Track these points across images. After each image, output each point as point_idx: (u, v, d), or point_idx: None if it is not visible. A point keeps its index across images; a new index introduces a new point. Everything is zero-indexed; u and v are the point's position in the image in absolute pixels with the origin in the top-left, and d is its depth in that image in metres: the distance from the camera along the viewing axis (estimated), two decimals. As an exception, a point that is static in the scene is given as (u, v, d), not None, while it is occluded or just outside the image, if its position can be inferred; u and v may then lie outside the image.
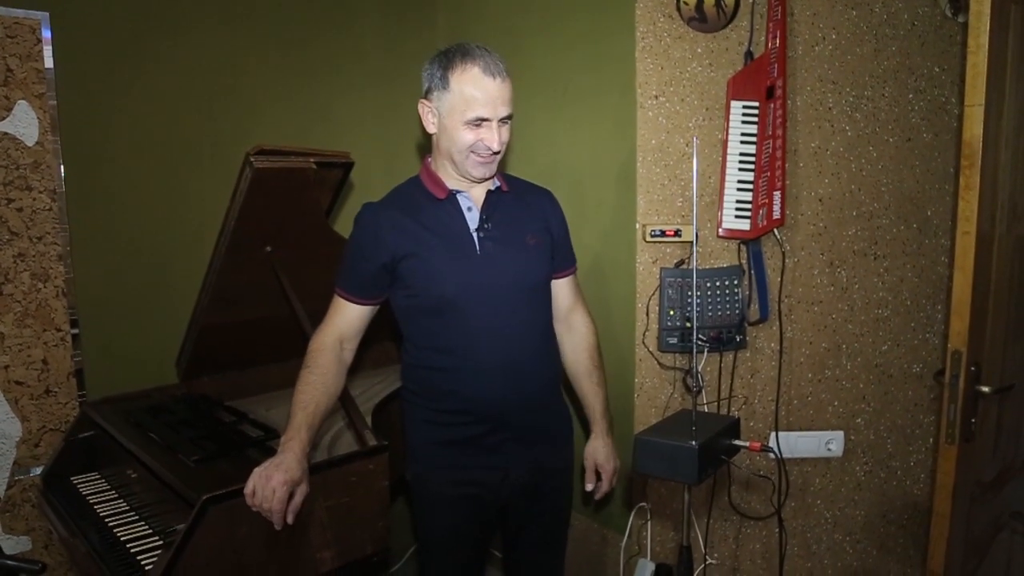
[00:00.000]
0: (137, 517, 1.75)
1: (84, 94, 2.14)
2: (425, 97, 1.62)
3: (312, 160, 1.85)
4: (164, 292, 2.29)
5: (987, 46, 1.40)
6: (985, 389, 1.51)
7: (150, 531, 1.69)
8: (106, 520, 1.75)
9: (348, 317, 1.68)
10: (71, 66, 2.11)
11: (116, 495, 1.88)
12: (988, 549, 1.76)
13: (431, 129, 1.64)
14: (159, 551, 1.57)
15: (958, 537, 1.57)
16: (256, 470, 1.40)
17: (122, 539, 1.66)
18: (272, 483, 1.37)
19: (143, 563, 1.55)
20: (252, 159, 1.71)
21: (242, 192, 1.77)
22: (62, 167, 2.11)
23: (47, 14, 2.05)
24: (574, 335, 1.84)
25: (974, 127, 1.43)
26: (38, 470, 2.08)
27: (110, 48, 2.17)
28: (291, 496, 1.41)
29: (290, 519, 1.40)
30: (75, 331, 2.17)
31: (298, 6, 2.53)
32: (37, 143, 2.07)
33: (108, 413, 2.01)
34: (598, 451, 1.83)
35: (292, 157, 1.81)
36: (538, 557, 1.86)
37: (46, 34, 2.06)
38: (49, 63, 2.07)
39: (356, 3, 2.68)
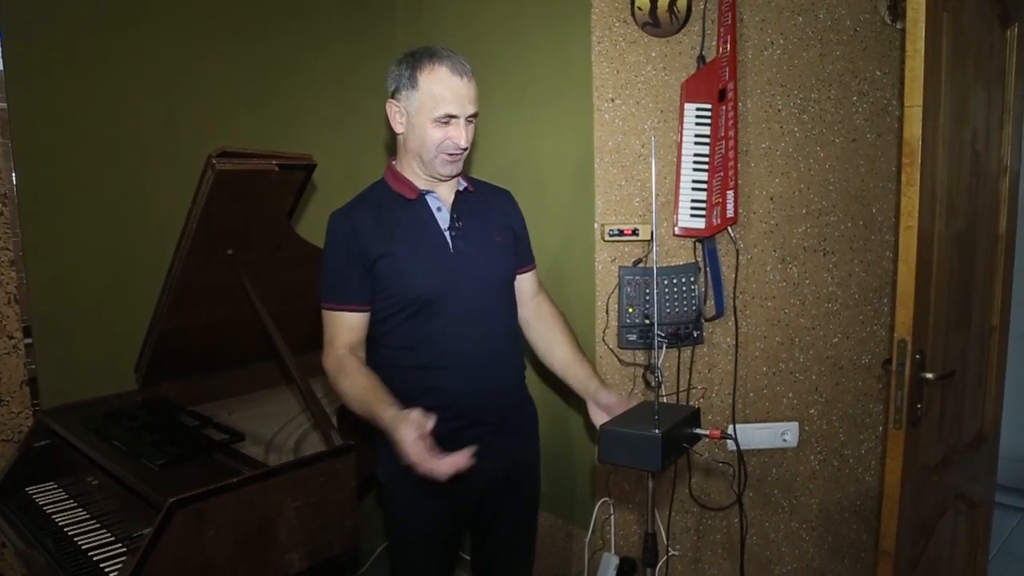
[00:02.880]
0: (98, 525, 1.73)
1: (36, 95, 2.10)
2: (392, 97, 1.65)
3: (274, 162, 1.85)
4: (122, 297, 2.26)
5: (923, 51, 1.47)
6: (929, 376, 1.57)
7: (112, 538, 1.66)
8: (65, 529, 1.72)
9: (350, 328, 1.67)
10: (21, 66, 2.07)
11: (75, 504, 1.85)
12: (935, 529, 1.84)
13: (399, 129, 1.67)
14: (123, 558, 1.55)
15: (907, 518, 1.64)
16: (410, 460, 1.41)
17: (83, 548, 1.63)
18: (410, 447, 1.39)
19: (106, 570, 1.54)
20: (214, 161, 1.71)
21: (204, 194, 1.76)
22: (13, 171, 2.06)
23: (-5, 12, 2.02)
24: (544, 318, 1.86)
25: (913, 127, 1.50)
26: (-10, 482, 2.03)
27: (62, 48, 2.13)
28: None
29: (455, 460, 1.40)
30: (28, 340, 2.12)
31: (255, 4, 2.52)
32: (-14, 146, 2.02)
33: (66, 420, 1.97)
34: (611, 396, 1.71)
35: (254, 159, 1.81)
36: (510, 548, 1.89)
37: (-6, 33, 2.03)
38: (-2, 64, 2.03)
39: (313, 2, 2.68)
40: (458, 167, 1.68)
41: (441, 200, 1.71)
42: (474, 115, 1.64)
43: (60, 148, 2.15)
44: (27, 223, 2.10)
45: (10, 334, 2.09)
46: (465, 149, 1.64)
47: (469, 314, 1.67)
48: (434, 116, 1.59)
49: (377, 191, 1.74)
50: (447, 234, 1.69)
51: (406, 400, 1.67)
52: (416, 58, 1.61)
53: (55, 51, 2.13)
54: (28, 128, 2.09)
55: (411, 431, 1.40)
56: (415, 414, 1.44)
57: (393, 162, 1.75)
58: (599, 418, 1.70)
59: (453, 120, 1.61)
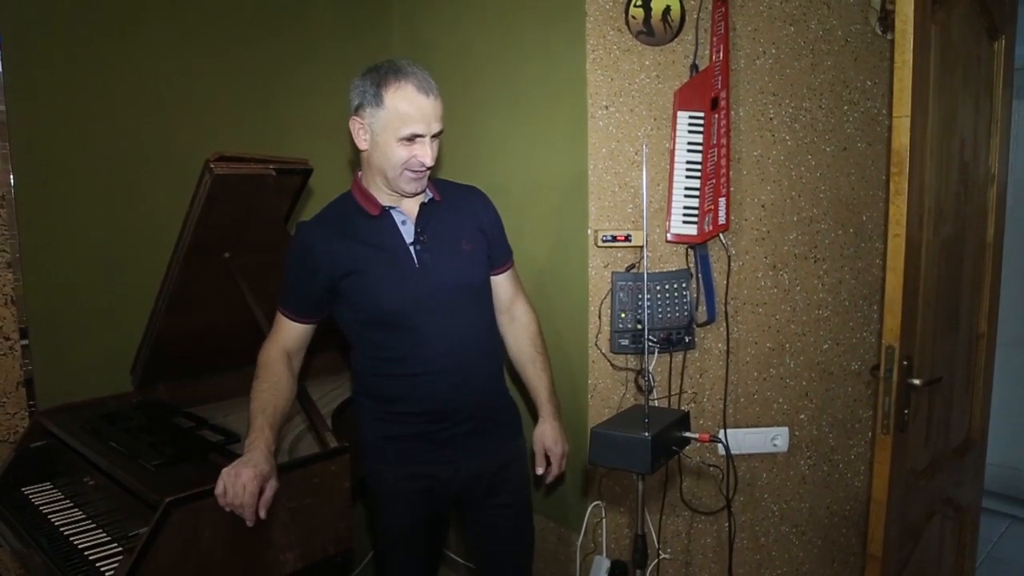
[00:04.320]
0: (94, 525, 1.74)
1: (34, 99, 2.10)
2: (356, 114, 1.64)
3: (271, 167, 1.87)
4: (118, 299, 2.27)
5: (911, 62, 1.50)
6: (916, 382, 1.60)
7: (108, 538, 1.67)
8: (61, 529, 1.73)
9: (291, 334, 1.75)
10: (20, 71, 2.08)
11: (71, 504, 1.85)
12: (922, 534, 1.86)
13: (363, 146, 1.67)
14: (119, 557, 1.57)
15: (895, 523, 1.66)
16: (224, 470, 1.43)
17: (79, 547, 1.64)
18: (242, 479, 1.40)
19: (102, 570, 1.55)
20: (212, 165, 1.72)
21: (201, 198, 1.78)
22: (11, 173, 2.08)
23: (-7, 17, 2.03)
24: (516, 325, 1.91)
25: (902, 136, 1.53)
26: (-15, 483, 2.04)
27: (60, 53, 2.15)
28: (262, 492, 1.44)
29: (262, 513, 1.44)
30: (24, 341, 2.13)
31: (250, 8, 2.54)
32: (-15, 149, 2.04)
33: (63, 421, 1.98)
34: (546, 434, 1.88)
35: (251, 163, 1.83)
36: (508, 550, 1.92)
37: (-7, 39, 2.04)
38: (-3, 67, 2.05)
39: (309, 7, 2.70)
40: (422, 184, 1.69)
41: (405, 214, 1.72)
42: (439, 133, 1.64)
43: (58, 151, 2.16)
44: (24, 225, 2.11)
45: (6, 335, 2.10)
46: (430, 167, 1.65)
47: (439, 324, 1.69)
48: (400, 135, 1.58)
49: (343, 204, 1.76)
50: (412, 248, 1.70)
51: (385, 403, 1.75)
52: (381, 74, 1.59)
53: (53, 56, 2.14)
54: (26, 131, 2.10)
55: (254, 474, 1.44)
56: (274, 479, 1.49)
57: (359, 175, 1.75)
58: (538, 443, 1.90)
59: (419, 139, 1.60)
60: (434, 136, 1.62)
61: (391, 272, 1.67)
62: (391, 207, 1.71)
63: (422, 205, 1.74)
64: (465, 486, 1.80)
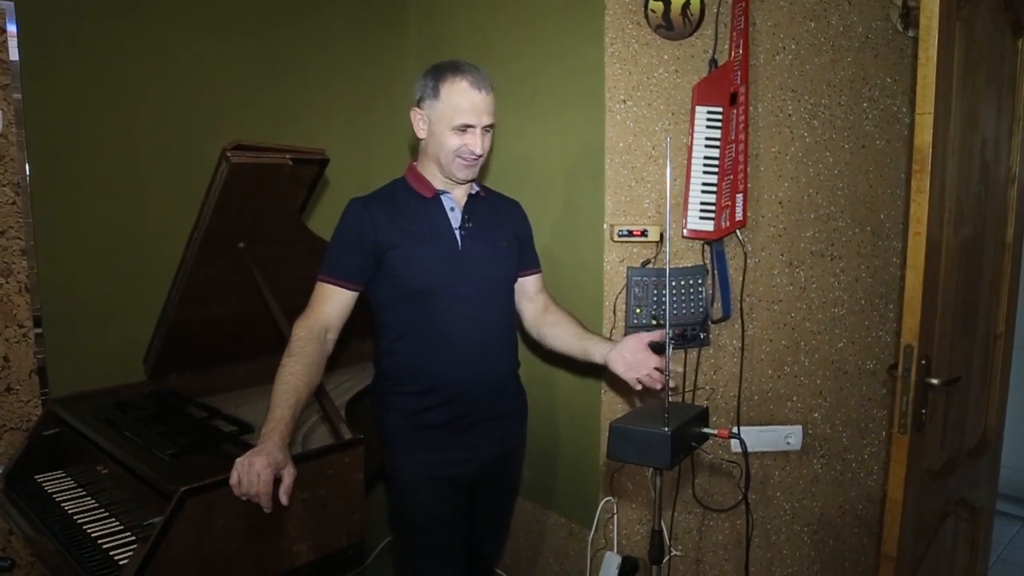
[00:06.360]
0: (107, 514, 1.74)
1: (50, 87, 2.11)
2: (417, 106, 1.79)
3: (288, 156, 1.87)
4: (132, 288, 2.27)
5: (935, 59, 1.48)
6: (935, 381, 1.59)
7: (122, 527, 1.67)
8: (75, 517, 1.73)
9: (336, 303, 1.76)
10: (37, 58, 2.08)
11: (84, 492, 1.85)
12: (936, 534, 1.85)
13: (421, 135, 1.80)
14: (132, 546, 1.57)
15: (910, 523, 1.65)
16: (238, 460, 1.43)
17: (92, 535, 1.64)
18: (256, 468, 1.41)
19: (116, 558, 1.55)
20: (229, 154, 1.72)
21: (217, 187, 1.78)
22: (27, 161, 2.08)
23: (12, 4, 2.03)
24: (561, 317, 1.98)
25: (924, 134, 1.51)
26: (-1, 469, 2.04)
27: (77, 41, 2.15)
28: (279, 481, 1.45)
29: (284, 500, 1.45)
30: (39, 330, 2.13)
31: None
32: (0, 135, 2.03)
33: (76, 410, 1.98)
34: (626, 344, 1.81)
35: (268, 153, 1.83)
36: (494, 526, 2.11)
37: (11, 26, 2.03)
38: (14, 55, 2.04)
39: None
40: (473, 172, 1.81)
41: (455, 201, 1.84)
42: (490, 125, 1.77)
43: (73, 140, 2.17)
44: (39, 213, 2.11)
45: (20, 323, 2.11)
46: (480, 156, 1.77)
47: (469, 305, 1.79)
48: (452, 124, 1.72)
49: (396, 188, 1.86)
50: (457, 232, 1.82)
51: (406, 383, 1.80)
52: (440, 71, 1.74)
53: (70, 45, 2.14)
54: (42, 120, 2.10)
55: (268, 463, 1.43)
56: (290, 466, 1.48)
57: (414, 163, 1.88)
58: (619, 366, 1.80)
59: (470, 129, 1.73)
60: (485, 128, 1.76)
61: (436, 250, 1.78)
62: (443, 192, 1.83)
63: (469, 196, 1.87)
64: (481, 471, 1.88)
